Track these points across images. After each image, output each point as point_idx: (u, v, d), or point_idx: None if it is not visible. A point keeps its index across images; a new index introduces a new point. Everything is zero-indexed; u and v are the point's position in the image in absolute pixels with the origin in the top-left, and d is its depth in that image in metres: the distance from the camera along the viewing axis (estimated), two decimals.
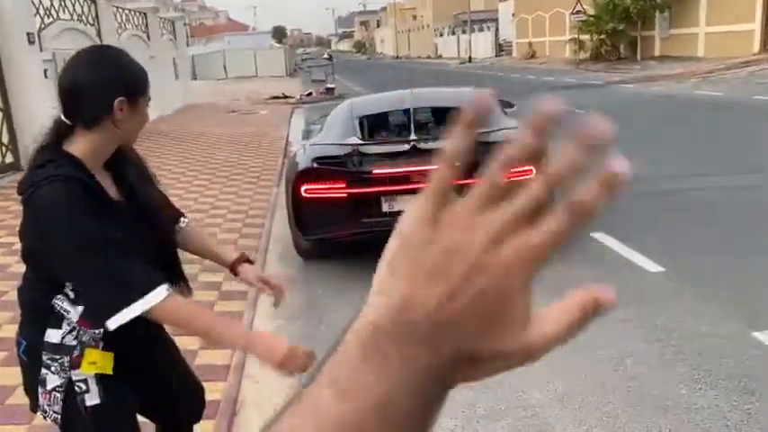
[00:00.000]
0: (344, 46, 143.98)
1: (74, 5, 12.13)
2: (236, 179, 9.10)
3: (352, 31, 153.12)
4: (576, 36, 31.68)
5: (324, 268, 5.41)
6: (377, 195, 4.97)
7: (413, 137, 5.27)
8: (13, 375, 3.27)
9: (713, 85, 17.72)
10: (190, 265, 5.41)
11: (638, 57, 29.50)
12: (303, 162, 5.27)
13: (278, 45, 60.45)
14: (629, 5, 28.50)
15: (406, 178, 4.80)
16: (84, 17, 12.56)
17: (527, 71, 29.87)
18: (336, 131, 5.75)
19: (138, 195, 1.71)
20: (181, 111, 19.10)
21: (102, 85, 1.56)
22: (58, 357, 1.58)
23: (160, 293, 1.47)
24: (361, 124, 5.83)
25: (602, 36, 30.75)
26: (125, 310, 1.46)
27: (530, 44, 43.33)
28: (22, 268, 1.74)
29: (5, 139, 8.40)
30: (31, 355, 1.63)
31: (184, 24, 28.12)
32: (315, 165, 5.11)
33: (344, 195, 4.98)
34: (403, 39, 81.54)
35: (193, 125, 15.61)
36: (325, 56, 27.37)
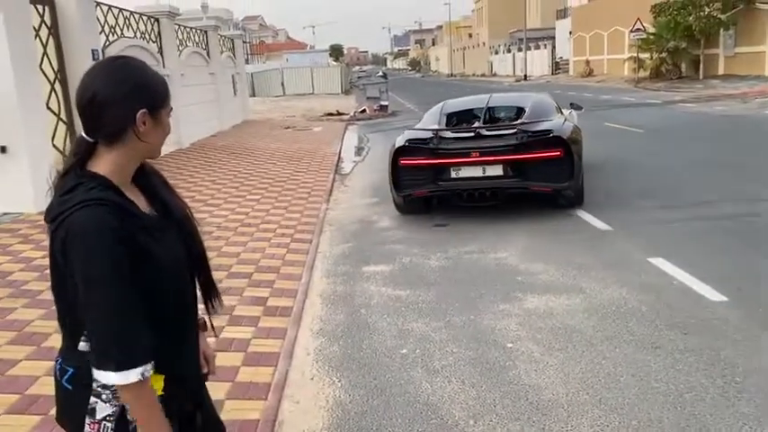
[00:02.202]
0: (400, 64, 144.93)
1: (137, 24, 12.55)
2: (288, 194, 9.16)
3: (408, 49, 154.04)
4: (636, 54, 30.94)
5: (367, 287, 5.34)
6: (447, 165, 7.02)
7: (476, 125, 7.55)
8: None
9: None
10: (237, 279, 5.47)
11: (701, 75, 28.56)
12: (399, 141, 7.34)
13: (335, 63, 61.32)
14: (691, 23, 27.67)
15: (467, 153, 6.86)
16: (146, 35, 12.98)
17: (584, 89, 29.30)
18: (427, 121, 8.07)
19: (170, 206, 1.67)
20: (238, 126, 19.49)
21: (124, 97, 1.50)
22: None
23: (131, 377, 1.43)
24: (448, 117, 8.09)
25: (663, 54, 29.96)
26: (100, 373, 1.44)
27: (587, 62, 42.58)
28: None
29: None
30: (79, 383, 1.54)
31: (244, 42, 28.82)
32: (407, 143, 7.20)
33: (425, 164, 7.06)
34: (458, 57, 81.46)
35: (249, 141, 15.88)
36: (380, 74, 27.53)
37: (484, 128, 7.28)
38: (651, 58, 30.61)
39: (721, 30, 27.78)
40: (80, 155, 1.52)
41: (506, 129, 7.15)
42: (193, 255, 1.71)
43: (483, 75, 65.04)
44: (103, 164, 1.52)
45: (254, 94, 36.47)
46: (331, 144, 15.32)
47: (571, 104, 9.37)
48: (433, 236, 6.83)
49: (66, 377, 1.56)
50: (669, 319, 4.24)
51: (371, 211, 8.31)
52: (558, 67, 50.31)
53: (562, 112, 8.19)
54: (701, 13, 27.44)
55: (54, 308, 1.58)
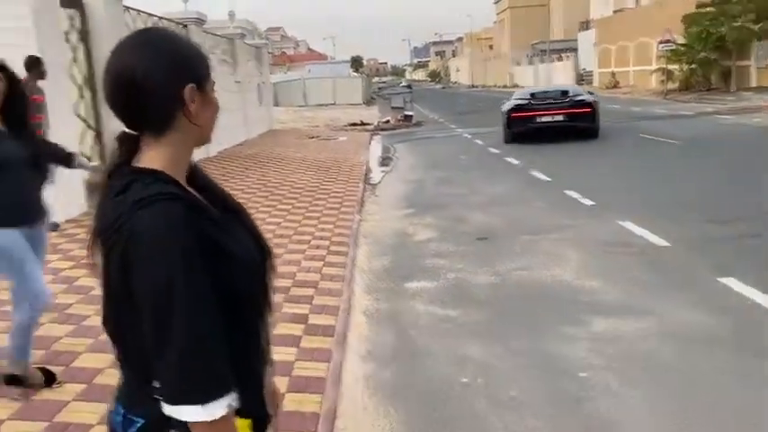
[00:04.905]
0: (419, 75, 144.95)
1: None
2: (319, 204, 8.86)
3: (427, 60, 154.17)
4: (664, 66, 30.36)
5: (413, 306, 4.98)
6: (535, 116, 15.02)
7: (548, 97, 15.53)
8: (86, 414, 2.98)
9: None
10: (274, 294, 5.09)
11: (733, 87, 27.90)
12: (509, 105, 15.72)
13: (355, 74, 61.23)
14: (724, 34, 27.08)
15: (546, 109, 15.04)
16: None
17: (610, 101, 28.71)
18: (519, 95, 16.45)
19: (225, 198, 1.35)
20: (264, 135, 19.30)
21: (166, 75, 1.19)
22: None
23: (217, 410, 1.12)
24: (531, 94, 16.01)
25: (693, 66, 29.36)
26: (180, 408, 1.12)
27: (612, 74, 42.01)
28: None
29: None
30: None
31: (268, 52, 28.73)
32: (514, 106, 15.54)
33: (523, 116, 15.18)
34: (479, 68, 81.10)
35: (276, 150, 15.66)
36: (404, 84, 27.32)
37: (551, 98, 15.25)
38: (681, 70, 30.01)
39: (754, 40, 27.15)
40: (124, 152, 1.22)
41: (563, 98, 15.16)
42: (266, 249, 1.38)
43: (504, 86, 64.54)
44: (155, 159, 1.21)
45: (276, 104, 36.37)
46: (358, 153, 15.03)
47: (589, 92, 16.50)
48: (475, 249, 6.47)
49: (134, 429, 1.22)
50: (755, 345, 3.84)
51: (407, 222, 7.97)
52: (581, 78, 49.71)
53: (588, 94, 15.96)
54: (734, 24, 26.87)
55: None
